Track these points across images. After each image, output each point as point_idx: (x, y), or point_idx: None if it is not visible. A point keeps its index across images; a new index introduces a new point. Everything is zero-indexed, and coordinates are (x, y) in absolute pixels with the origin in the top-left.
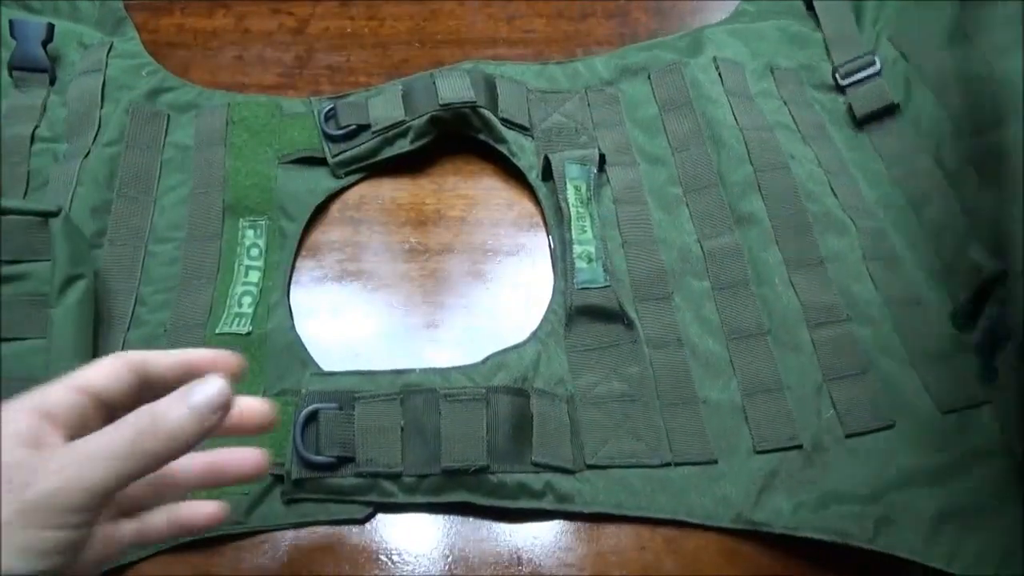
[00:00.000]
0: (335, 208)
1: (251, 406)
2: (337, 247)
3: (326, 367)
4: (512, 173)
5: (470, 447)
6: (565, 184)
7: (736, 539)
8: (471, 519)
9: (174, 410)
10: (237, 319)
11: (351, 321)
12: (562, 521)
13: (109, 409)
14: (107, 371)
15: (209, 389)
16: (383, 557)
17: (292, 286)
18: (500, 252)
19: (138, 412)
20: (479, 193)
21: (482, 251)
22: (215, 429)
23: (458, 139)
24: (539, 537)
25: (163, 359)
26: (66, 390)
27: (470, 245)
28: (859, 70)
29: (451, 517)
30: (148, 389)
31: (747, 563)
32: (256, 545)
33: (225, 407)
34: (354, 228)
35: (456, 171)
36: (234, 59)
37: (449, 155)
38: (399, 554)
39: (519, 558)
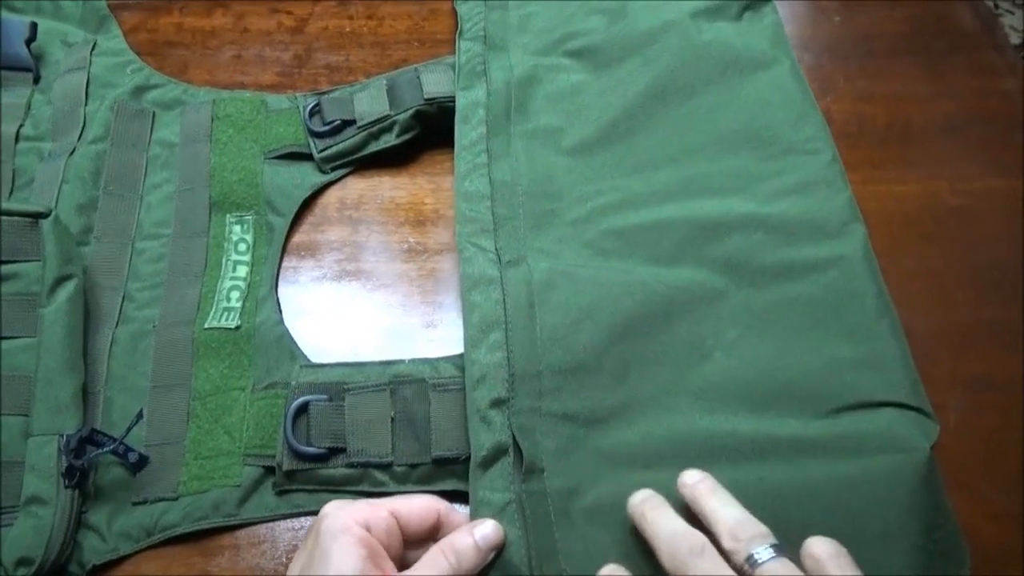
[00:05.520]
0: (334, 208)
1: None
2: (336, 247)
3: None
4: None
5: (460, 436)
6: None
7: None
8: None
9: (470, 549)
10: (225, 314)
11: (350, 321)
12: None
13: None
14: (419, 507)
15: (490, 532)
16: None
17: (290, 286)
18: None
19: (443, 550)
20: None
21: None
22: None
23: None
24: None
25: (458, 516)
26: (388, 515)
27: None
28: None
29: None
30: (438, 529)
31: None
32: (254, 545)
33: (501, 546)
34: (353, 228)
35: (455, 170)
36: (233, 58)
37: (448, 154)
38: None
39: None
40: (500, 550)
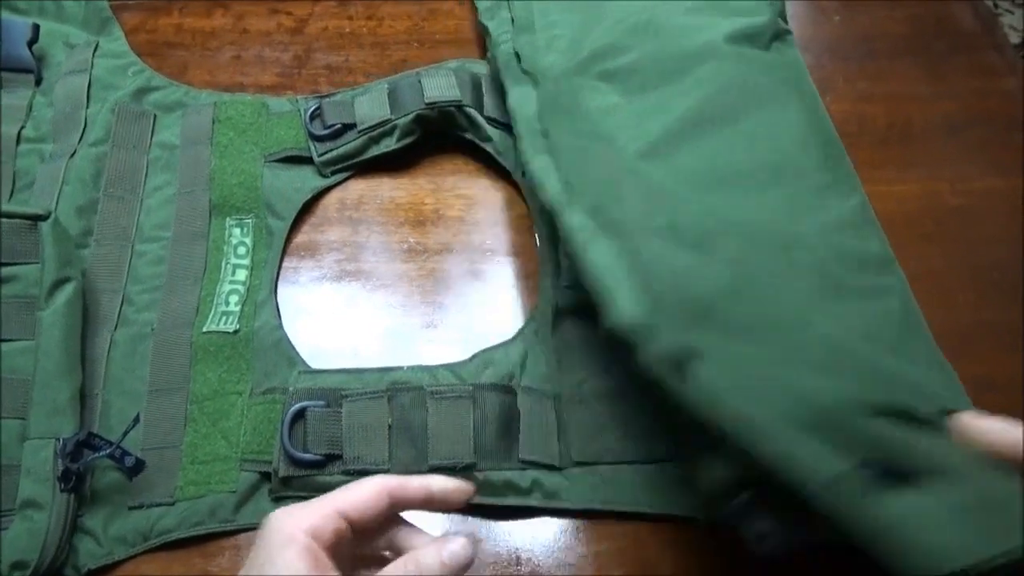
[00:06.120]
0: (334, 208)
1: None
2: (336, 247)
3: (324, 367)
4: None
5: (457, 445)
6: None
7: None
8: (469, 519)
9: (435, 567)
10: (224, 317)
11: (350, 321)
12: (561, 521)
13: (358, 526)
14: (368, 497)
15: (458, 550)
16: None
17: (290, 287)
18: (499, 252)
19: (406, 564)
20: (478, 193)
21: (481, 251)
22: None
23: (455, 139)
24: (538, 537)
25: (413, 483)
26: (335, 516)
27: (469, 245)
28: None
29: (450, 517)
30: (393, 508)
31: (747, 559)
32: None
33: (469, 564)
34: (353, 228)
35: (455, 171)
36: (232, 59)
37: (447, 155)
38: None
39: (518, 558)
40: (470, 566)
